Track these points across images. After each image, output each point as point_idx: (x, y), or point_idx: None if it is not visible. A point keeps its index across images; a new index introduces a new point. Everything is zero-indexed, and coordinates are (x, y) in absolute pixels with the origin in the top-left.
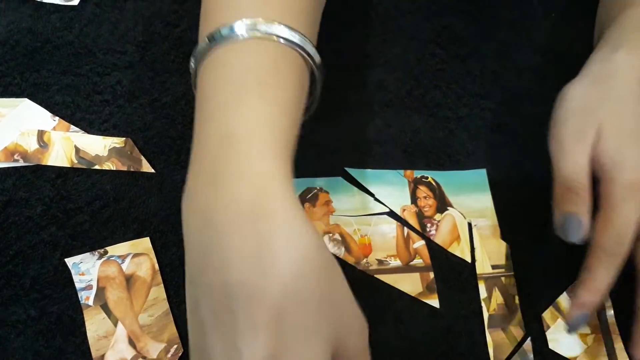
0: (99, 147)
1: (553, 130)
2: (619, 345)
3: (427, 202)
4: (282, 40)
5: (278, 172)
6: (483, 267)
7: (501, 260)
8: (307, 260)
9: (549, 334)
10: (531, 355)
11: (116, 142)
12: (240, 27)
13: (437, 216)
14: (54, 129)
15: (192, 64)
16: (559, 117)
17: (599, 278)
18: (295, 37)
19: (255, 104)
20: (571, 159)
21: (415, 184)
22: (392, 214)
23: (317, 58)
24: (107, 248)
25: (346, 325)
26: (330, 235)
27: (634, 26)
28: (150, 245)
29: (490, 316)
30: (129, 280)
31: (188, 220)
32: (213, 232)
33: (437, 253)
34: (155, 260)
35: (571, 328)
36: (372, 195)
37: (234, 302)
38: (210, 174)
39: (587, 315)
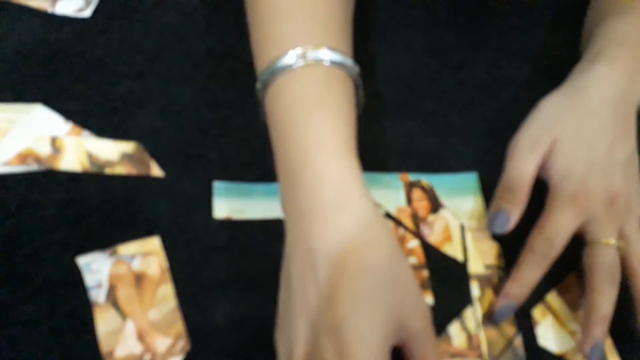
0: (110, 152)
1: (515, 136)
2: (607, 342)
3: (422, 204)
4: (327, 63)
5: (349, 170)
6: (476, 266)
7: (493, 260)
8: (378, 242)
9: (539, 331)
10: (522, 351)
11: (127, 147)
12: (292, 57)
13: (431, 217)
14: (67, 134)
15: (258, 95)
16: (524, 124)
17: (526, 274)
18: (337, 57)
19: (319, 119)
20: (519, 165)
21: (410, 187)
22: (388, 215)
23: (356, 69)
24: (118, 248)
25: (409, 305)
26: None
27: (613, 37)
28: (159, 245)
29: (483, 314)
30: (138, 278)
31: (290, 212)
32: (305, 221)
33: (431, 252)
34: (164, 259)
35: (497, 318)
36: None
37: (319, 269)
38: (295, 183)
39: (514, 307)
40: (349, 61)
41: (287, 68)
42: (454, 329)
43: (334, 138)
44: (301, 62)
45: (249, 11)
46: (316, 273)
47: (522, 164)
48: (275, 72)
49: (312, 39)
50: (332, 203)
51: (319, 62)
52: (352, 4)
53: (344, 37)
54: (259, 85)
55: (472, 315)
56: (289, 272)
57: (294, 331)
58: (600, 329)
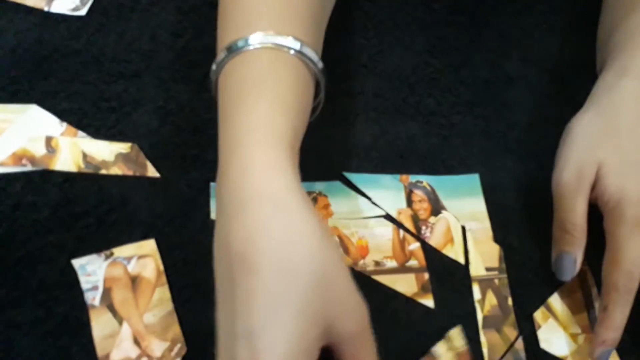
0: (106, 152)
1: (555, 170)
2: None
3: (422, 206)
4: (289, 50)
5: (275, 160)
6: (477, 269)
7: (494, 262)
8: (300, 241)
9: (540, 334)
10: (523, 354)
11: (122, 147)
12: (254, 39)
13: (432, 219)
14: (62, 134)
15: (212, 76)
16: (562, 154)
17: (615, 316)
18: (295, 44)
19: (253, 104)
20: (569, 202)
21: (410, 188)
22: (388, 217)
23: (320, 64)
24: (113, 250)
25: (338, 308)
26: None
27: (638, 47)
28: (155, 247)
29: (484, 317)
30: (134, 281)
31: (217, 205)
32: (225, 215)
33: (432, 255)
34: (160, 261)
35: None
36: (369, 199)
37: (234, 271)
38: (223, 169)
39: (611, 351)
40: (312, 54)
41: (243, 49)
42: (440, 349)
43: (265, 126)
44: (254, 46)
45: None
46: (233, 277)
47: (572, 201)
48: (231, 53)
49: (271, 26)
50: (253, 198)
51: (273, 47)
52: (326, 7)
53: (310, 30)
54: (213, 67)
55: (459, 334)
56: (215, 273)
57: (217, 338)
58: None
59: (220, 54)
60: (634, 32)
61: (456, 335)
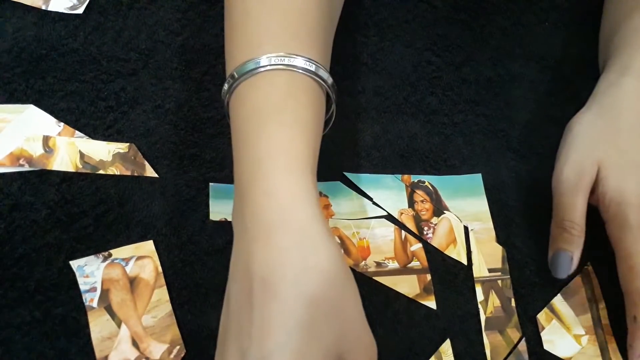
0: (103, 152)
1: (555, 168)
2: (612, 346)
3: (424, 206)
4: (299, 70)
5: (299, 188)
6: (480, 270)
7: (497, 263)
8: (321, 270)
9: (544, 335)
10: (526, 356)
11: (120, 147)
12: (259, 62)
13: (434, 220)
14: (59, 134)
15: (223, 96)
16: (562, 153)
17: None
18: (311, 66)
19: (275, 129)
20: (568, 200)
21: (412, 188)
22: (390, 217)
23: (330, 80)
24: (111, 251)
25: (351, 340)
26: None
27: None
28: (154, 248)
29: (487, 319)
30: (133, 282)
31: (237, 228)
32: (247, 239)
33: (434, 256)
34: (158, 262)
35: None
36: (370, 199)
37: (254, 294)
38: (244, 192)
39: None
40: (322, 72)
41: (252, 72)
42: None
43: (287, 152)
44: (267, 68)
45: (225, 16)
46: (251, 298)
47: (571, 199)
48: (240, 75)
49: (282, 46)
50: (276, 223)
51: (286, 68)
52: (334, 17)
53: (319, 47)
54: (225, 88)
55: (449, 349)
56: (229, 292)
57: (226, 355)
58: None
59: (232, 76)
60: (636, 30)
61: (446, 350)
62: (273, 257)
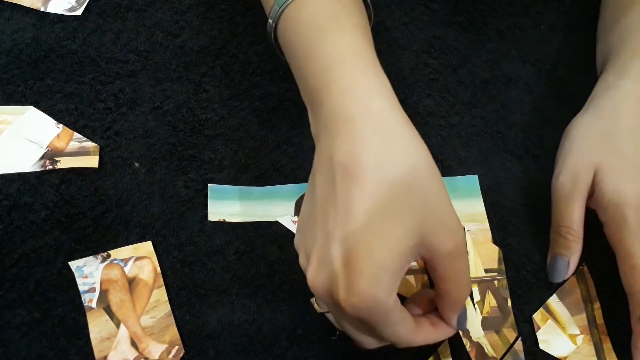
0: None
1: (554, 174)
2: (607, 346)
3: None
4: None
5: (374, 82)
6: (476, 271)
7: (493, 264)
8: (400, 155)
9: (540, 335)
10: (522, 355)
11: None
12: None
13: None
14: (58, 136)
15: (270, 35)
16: (559, 158)
17: None
18: None
19: (337, 36)
20: (565, 206)
21: None
22: None
23: None
24: (110, 252)
25: (435, 223)
26: None
27: (638, 47)
28: (152, 249)
29: (483, 319)
30: (132, 283)
31: (317, 126)
32: (330, 133)
33: None
34: (157, 263)
35: None
36: None
37: (337, 182)
38: (320, 101)
39: None
40: None
41: None
42: None
43: (355, 52)
44: None
45: None
46: (335, 186)
47: (566, 205)
48: (282, 4)
49: None
50: (355, 116)
51: None
52: None
53: None
54: (269, 23)
55: (447, 349)
56: (314, 181)
57: (312, 237)
58: None
59: (276, 3)
60: (633, 28)
61: (444, 349)
62: (354, 146)
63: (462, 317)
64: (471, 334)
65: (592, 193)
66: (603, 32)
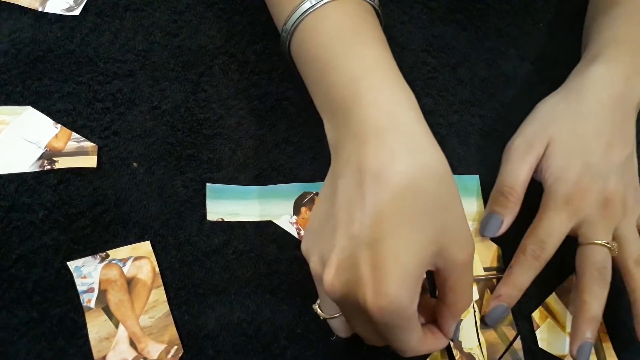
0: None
1: (512, 137)
2: (606, 344)
3: None
4: None
5: (402, 96)
6: (476, 269)
7: (492, 262)
8: (428, 167)
9: (539, 333)
10: (521, 354)
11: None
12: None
13: None
14: (56, 136)
15: (284, 46)
16: (520, 127)
17: (518, 276)
18: None
19: (361, 49)
20: (512, 168)
21: None
22: None
23: (376, 0)
24: (109, 252)
25: (452, 235)
26: None
27: (611, 37)
28: (151, 249)
29: (482, 317)
30: (130, 283)
31: (343, 135)
32: (358, 141)
33: None
34: (155, 263)
35: (490, 321)
36: None
37: (366, 186)
38: (346, 110)
39: (506, 309)
40: None
41: (312, 8)
42: None
43: (381, 66)
44: (325, 1)
45: None
46: (363, 190)
47: (515, 167)
48: (301, 14)
49: None
50: (385, 127)
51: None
52: None
53: None
54: (283, 34)
55: (441, 354)
56: (335, 186)
57: (332, 240)
58: (588, 328)
59: (292, 14)
60: (610, 23)
61: (437, 356)
62: (384, 155)
63: (457, 328)
64: (463, 345)
65: (541, 164)
66: (586, 26)
